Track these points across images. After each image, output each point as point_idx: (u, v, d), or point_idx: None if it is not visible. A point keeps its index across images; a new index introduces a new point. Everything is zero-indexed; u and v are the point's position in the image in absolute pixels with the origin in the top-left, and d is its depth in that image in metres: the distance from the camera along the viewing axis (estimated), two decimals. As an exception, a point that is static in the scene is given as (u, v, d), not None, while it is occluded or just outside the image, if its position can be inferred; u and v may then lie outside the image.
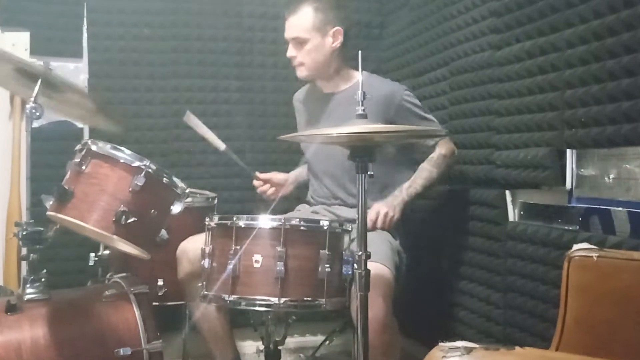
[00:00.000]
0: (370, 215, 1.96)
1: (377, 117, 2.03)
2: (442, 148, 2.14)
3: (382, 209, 1.99)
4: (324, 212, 2.20)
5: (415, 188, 2.09)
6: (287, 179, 2.40)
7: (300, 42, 2.14)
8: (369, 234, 1.51)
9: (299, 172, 2.45)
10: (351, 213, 2.09)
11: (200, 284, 1.72)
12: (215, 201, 2.40)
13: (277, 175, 2.38)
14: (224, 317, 2.10)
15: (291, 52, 2.17)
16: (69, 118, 2.51)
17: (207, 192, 2.45)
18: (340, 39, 2.14)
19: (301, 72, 2.20)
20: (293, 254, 1.60)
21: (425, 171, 2.12)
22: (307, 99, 2.35)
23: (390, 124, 2.11)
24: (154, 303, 1.99)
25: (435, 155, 2.14)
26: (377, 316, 1.70)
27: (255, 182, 2.35)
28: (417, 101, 2.18)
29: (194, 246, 1.97)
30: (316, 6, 2.12)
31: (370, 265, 1.47)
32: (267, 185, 2.35)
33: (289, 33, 2.16)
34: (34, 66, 1.78)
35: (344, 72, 2.20)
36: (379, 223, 1.97)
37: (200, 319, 2.08)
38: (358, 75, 2.07)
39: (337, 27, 2.14)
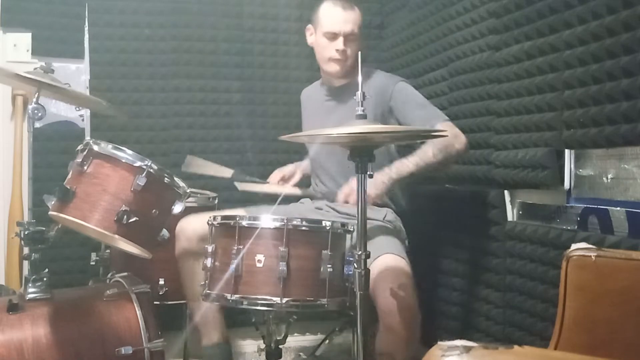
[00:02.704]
0: (344, 189, 1.91)
1: (373, 108, 2.06)
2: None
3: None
4: (327, 207, 2.22)
5: (407, 166, 1.95)
6: (294, 167, 2.46)
7: (351, 39, 2.15)
8: (376, 231, 1.51)
9: (306, 164, 2.47)
10: (352, 209, 2.11)
11: (202, 283, 1.73)
12: (216, 201, 2.41)
13: (284, 170, 2.44)
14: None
15: (342, 45, 2.15)
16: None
17: (208, 192, 2.47)
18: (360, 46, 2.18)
19: (342, 68, 2.18)
20: (295, 254, 1.61)
21: (421, 150, 1.98)
22: (319, 93, 2.36)
23: (388, 114, 2.12)
24: (155, 302, 1.99)
25: (434, 139, 2.03)
26: (407, 305, 1.71)
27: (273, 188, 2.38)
28: (413, 90, 2.17)
29: (192, 224, 2.01)
30: (358, 8, 2.19)
31: (388, 257, 1.47)
32: (282, 181, 2.41)
33: (343, 27, 2.14)
34: (33, 79, 1.79)
35: (347, 67, 2.22)
36: (351, 200, 1.88)
37: (193, 300, 2.08)
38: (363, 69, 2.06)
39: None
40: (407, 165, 1.96)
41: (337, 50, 2.15)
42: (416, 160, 1.97)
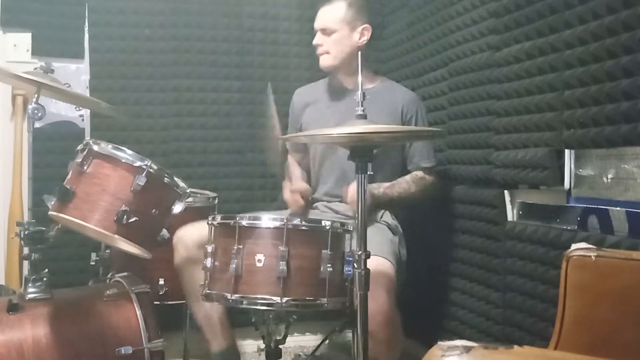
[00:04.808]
0: (350, 191, 2.01)
1: (394, 121, 2.12)
2: (425, 173, 2.20)
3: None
4: (323, 208, 2.22)
5: (391, 191, 2.12)
6: (308, 188, 2.26)
7: (328, 33, 2.18)
8: (369, 230, 1.52)
9: (300, 173, 2.42)
10: (350, 209, 2.12)
11: (202, 283, 1.73)
12: (216, 201, 2.41)
13: (304, 186, 2.24)
14: (220, 306, 2.08)
15: (318, 40, 2.21)
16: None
17: (208, 192, 2.46)
18: (367, 36, 2.19)
19: (325, 61, 2.23)
20: (295, 254, 1.60)
21: (405, 183, 2.16)
22: (323, 92, 2.34)
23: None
24: (155, 302, 1.99)
25: (418, 174, 2.19)
26: (381, 309, 1.72)
27: (288, 194, 2.20)
28: (426, 121, 2.26)
29: (189, 233, 2.00)
30: (350, 2, 2.18)
31: (372, 259, 1.48)
32: (297, 196, 2.18)
33: (318, 23, 2.21)
34: (32, 79, 1.79)
35: (366, 72, 2.18)
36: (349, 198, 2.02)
37: (196, 307, 2.08)
38: (382, 79, 2.09)
39: (366, 25, 2.19)
40: (391, 191, 2.13)
41: (314, 44, 2.23)
42: (399, 191, 2.14)
